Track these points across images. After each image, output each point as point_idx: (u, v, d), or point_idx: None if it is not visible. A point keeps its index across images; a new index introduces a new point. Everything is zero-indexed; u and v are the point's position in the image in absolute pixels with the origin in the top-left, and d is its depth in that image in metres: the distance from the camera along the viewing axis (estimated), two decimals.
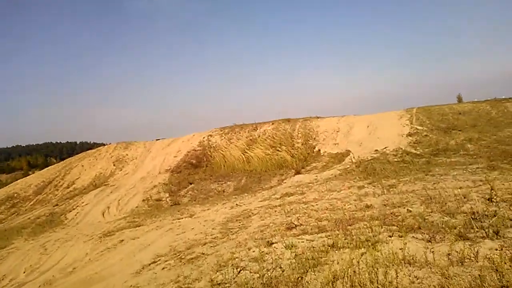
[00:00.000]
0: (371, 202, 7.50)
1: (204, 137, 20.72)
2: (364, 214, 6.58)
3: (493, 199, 5.96)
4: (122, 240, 7.78)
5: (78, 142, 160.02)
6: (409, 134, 16.49)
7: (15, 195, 18.25)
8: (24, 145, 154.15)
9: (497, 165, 9.33)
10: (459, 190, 7.23)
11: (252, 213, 8.29)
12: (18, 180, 22.09)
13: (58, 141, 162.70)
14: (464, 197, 6.52)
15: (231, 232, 6.89)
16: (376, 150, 15.37)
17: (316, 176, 13.43)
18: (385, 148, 15.44)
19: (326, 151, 17.25)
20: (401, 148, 14.99)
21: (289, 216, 7.40)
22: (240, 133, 20.49)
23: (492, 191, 6.05)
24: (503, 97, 25.76)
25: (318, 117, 22.23)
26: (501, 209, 5.58)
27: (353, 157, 14.64)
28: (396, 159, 13.51)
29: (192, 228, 7.75)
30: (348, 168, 13.27)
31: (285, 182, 13.25)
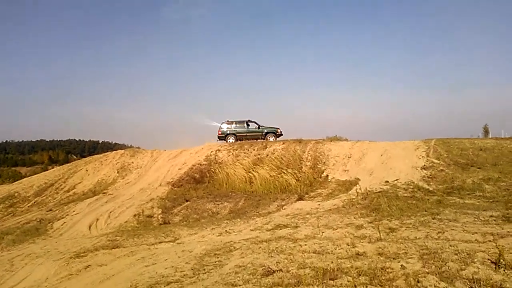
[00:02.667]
0: (365, 248, 6.75)
1: (212, 151, 20.25)
2: (353, 264, 5.85)
3: (499, 265, 5.16)
4: (89, 265, 7.24)
5: (100, 142, 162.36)
6: (424, 167, 15.54)
7: (16, 194, 18.12)
8: (48, 140, 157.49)
9: None
10: (465, 245, 6.42)
11: (234, 247, 7.64)
12: (23, 179, 22.07)
13: (81, 139, 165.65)
14: (469, 256, 5.71)
15: (204, 270, 6.27)
16: (387, 181, 14.51)
17: (319, 204, 12.68)
18: (397, 180, 14.56)
19: (335, 177, 16.47)
20: (413, 182, 14.08)
21: (271, 256, 6.72)
22: (248, 150, 19.93)
23: (500, 256, 5.24)
24: None
25: (331, 140, 21.46)
26: (508, 279, 4.79)
27: (361, 188, 13.80)
28: (406, 194, 12.64)
29: (166, 259, 7.16)
30: (353, 199, 12.46)
31: (284, 209, 12.55)
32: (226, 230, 9.82)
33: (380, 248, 6.67)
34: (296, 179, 15.81)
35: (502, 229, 7.51)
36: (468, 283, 4.76)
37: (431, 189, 13.25)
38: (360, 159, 17.60)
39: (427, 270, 5.31)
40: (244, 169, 16.64)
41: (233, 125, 25.12)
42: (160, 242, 9.28)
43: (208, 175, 17.13)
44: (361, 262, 5.99)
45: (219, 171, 16.96)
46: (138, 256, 7.82)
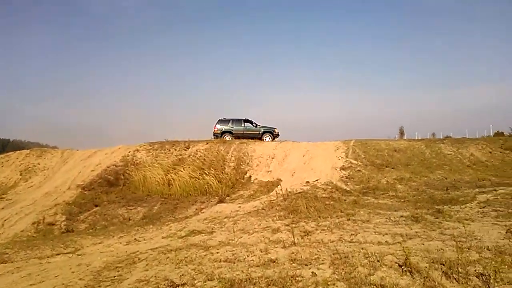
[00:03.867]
0: (278, 254, 6.39)
1: (129, 151, 18.95)
2: (264, 273, 5.43)
3: (405, 268, 5.07)
4: None
5: (11, 140, 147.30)
6: (343, 168, 15.89)
7: None
8: None
9: (422, 216, 8.66)
10: (375, 247, 6.34)
11: (139, 258, 6.88)
12: None
13: None
14: (378, 260, 5.59)
15: (99, 287, 5.46)
16: (308, 182, 14.55)
17: (239, 207, 12.25)
18: (317, 180, 14.66)
19: (257, 178, 16.21)
20: (332, 182, 14.28)
21: (178, 268, 6.09)
22: (170, 150, 18.99)
23: (406, 259, 5.15)
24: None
25: (256, 140, 21.30)
26: (414, 283, 4.68)
27: (282, 189, 13.65)
28: (324, 195, 12.71)
29: (56, 276, 6.18)
30: (273, 200, 12.23)
31: (202, 212, 11.93)
32: (135, 238, 8.96)
33: (293, 253, 6.35)
34: (218, 181, 15.26)
35: (411, 229, 7.64)
36: None
37: (348, 189, 13.51)
38: (283, 159, 17.57)
39: (337, 277, 5.06)
40: (163, 170, 15.69)
41: (230, 123, 24.67)
42: (57, 254, 8.16)
43: (123, 177, 15.90)
44: (272, 270, 5.60)
45: (135, 173, 15.81)
46: (25, 273, 6.70)
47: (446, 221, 8.21)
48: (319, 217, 9.37)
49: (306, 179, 14.95)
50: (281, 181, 15.31)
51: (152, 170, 15.61)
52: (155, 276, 5.78)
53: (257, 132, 24.64)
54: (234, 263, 6.21)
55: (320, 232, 7.84)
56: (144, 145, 19.84)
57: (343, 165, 16.12)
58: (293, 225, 8.60)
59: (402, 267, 5.18)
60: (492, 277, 4.58)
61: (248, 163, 17.73)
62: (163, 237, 8.89)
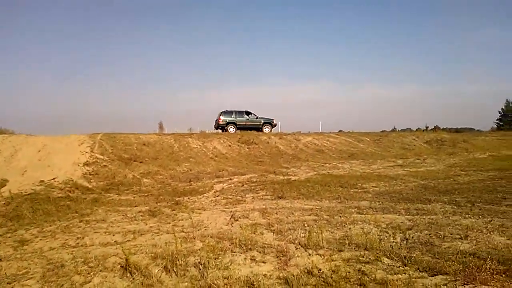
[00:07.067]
0: None
1: None
2: None
3: (127, 269, 4.69)
4: None
5: None
6: (87, 164, 14.54)
7: None
8: None
9: (160, 209, 8.65)
10: (101, 250, 5.73)
11: None
12: None
13: None
14: (99, 264, 5.00)
15: None
16: (42, 181, 12.52)
17: None
18: (54, 179, 12.83)
19: None
20: (73, 180, 12.80)
21: None
22: None
23: (127, 259, 4.77)
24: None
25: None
26: (134, 285, 4.33)
27: (8, 191, 11.27)
28: (60, 194, 11.21)
29: None
30: None
31: None
32: None
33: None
34: None
35: (146, 224, 7.43)
36: None
37: (90, 186, 12.38)
38: (12, 156, 14.65)
39: None
40: None
41: (233, 115, 26.02)
42: None
43: None
44: None
45: None
46: None
47: (182, 212, 8.43)
48: (46, 221, 8.01)
49: (41, 178, 12.85)
50: (7, 181, 12.66)
51: None
52: None
53: (259, 123, 26.40)
54: None
55: (41, 239, 6.62)
56: None
57: (87, 161, 14.76)
58: (8, 235, 7.02)
59: (124, 267, 4.79)
60: (208, 265, 4.73)
61: None
62: None
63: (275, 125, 27.54)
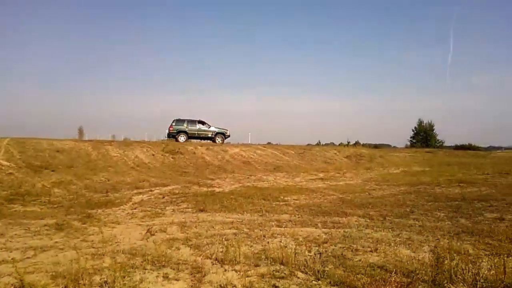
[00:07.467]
0: None
1: None
2: None
3: None
4: None
5: None
6: None
7: None
8: None
9: (68, 223, 7.99)
10: None
11: None
12: None
13: None
14: None
15: None
16: None
17: None
18: None
19: None
20: None
21: None
22: None
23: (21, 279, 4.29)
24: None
25: None
26: None
27: None
28: None
29: None
30: None
31: None
32: None
33: None
34: None
35: (51, 239, 6.79)
36: None
37: None
38: None
39: None
40: None
41: (185, 124, 25.29)
42: None
43: None
44: None
45: None
46: None
47: (93, 226, 7.87)
48: None
49: None
50: None
51: None
52: None
53: (210, 133, 25.75)
54: None
55: None
56: None
57: None
58: None
59: None
60: (115, 284, 4.41)
61: None
62: None
63: (229, 136, 27.01)
